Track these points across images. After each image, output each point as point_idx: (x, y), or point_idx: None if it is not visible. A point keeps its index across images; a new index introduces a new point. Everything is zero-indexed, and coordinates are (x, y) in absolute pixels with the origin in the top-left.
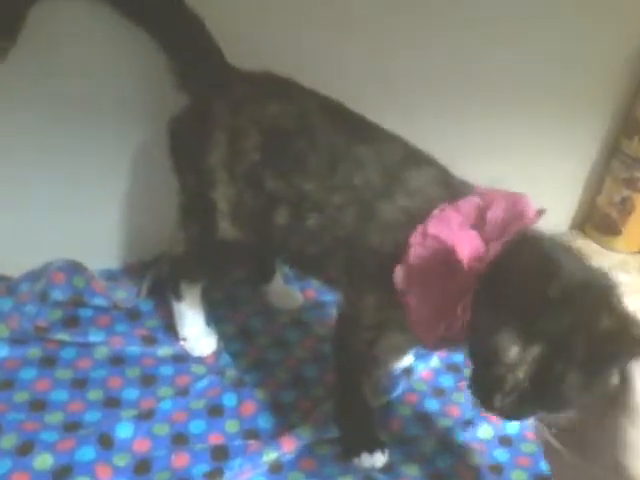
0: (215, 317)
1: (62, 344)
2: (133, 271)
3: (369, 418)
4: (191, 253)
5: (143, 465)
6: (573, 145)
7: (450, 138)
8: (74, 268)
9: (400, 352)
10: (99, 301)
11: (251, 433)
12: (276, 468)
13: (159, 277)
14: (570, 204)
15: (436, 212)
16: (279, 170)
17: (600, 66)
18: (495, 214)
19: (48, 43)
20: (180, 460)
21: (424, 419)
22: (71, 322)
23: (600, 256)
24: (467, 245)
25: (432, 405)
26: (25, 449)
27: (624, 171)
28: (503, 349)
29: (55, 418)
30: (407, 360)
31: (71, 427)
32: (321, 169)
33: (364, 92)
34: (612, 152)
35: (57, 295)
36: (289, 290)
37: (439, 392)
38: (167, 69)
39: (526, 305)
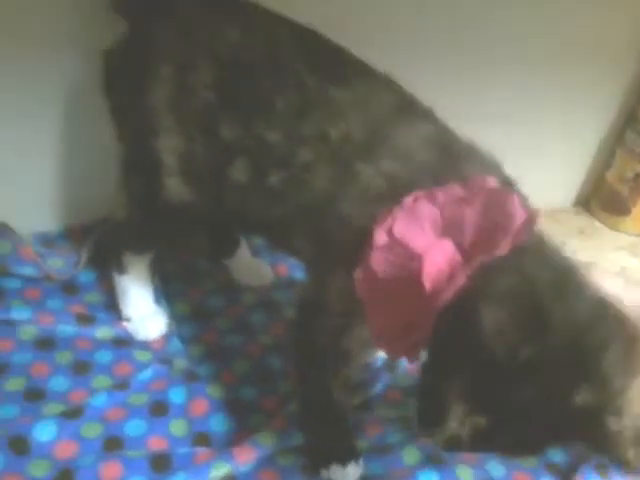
0: (167, 294)
1: None
2: (75, 235)
3: (340, 421)
4: (134, 218)
5: (64, 476)
6: (583, 113)
7: (451, 102)
8: None
9: (374, 346)
10: (28, 270)
11: (201, 437)
12: None
13: (103, 244)
14: (576, 178)
15: (408, 202)
16: (238, 114)
17: (619, 25)
18: (472, 217)
19: None
20: (110, 470)
21: (408, 423)
22: None
23: (605, 237)
24: (438, 261)
25: None
26: None
27: None
28: (449, 403)
29: None
30: None
31: None
32: (288, 115)
33: (353, 22)
34: (627, 122)
35: None
36: (257, 264)
37: None
38: None
39: (487, 365)
